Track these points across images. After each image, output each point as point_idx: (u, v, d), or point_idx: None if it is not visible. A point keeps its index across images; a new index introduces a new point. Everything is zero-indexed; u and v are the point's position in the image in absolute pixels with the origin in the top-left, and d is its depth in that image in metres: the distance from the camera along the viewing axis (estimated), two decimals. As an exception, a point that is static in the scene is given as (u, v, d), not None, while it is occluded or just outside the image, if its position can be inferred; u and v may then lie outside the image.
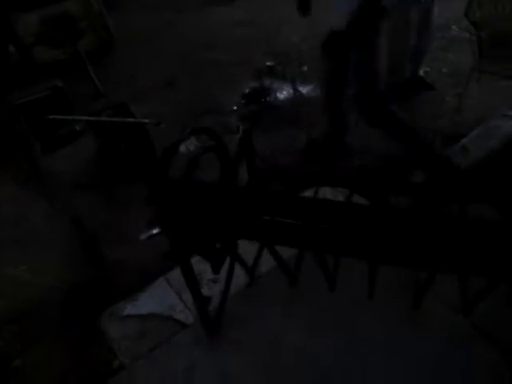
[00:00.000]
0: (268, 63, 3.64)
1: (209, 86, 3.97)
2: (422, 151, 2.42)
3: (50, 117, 3.52)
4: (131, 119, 3.26)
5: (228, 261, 1.77)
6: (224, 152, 1.64)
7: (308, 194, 2.08)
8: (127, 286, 2.16)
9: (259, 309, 1.90)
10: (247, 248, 1.73)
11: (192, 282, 1.59)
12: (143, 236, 2.28)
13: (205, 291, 2.03)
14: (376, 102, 2.32)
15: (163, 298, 2.03)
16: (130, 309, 2.01)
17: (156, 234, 2.30)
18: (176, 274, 1.92)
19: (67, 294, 2.19)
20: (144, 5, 6.49)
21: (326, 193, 2.28)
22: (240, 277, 1.92)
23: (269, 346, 1.77)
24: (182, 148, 2.56)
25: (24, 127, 1.89)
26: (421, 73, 3.48)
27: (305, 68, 3.97)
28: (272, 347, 1.77)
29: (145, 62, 4.68)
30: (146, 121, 3.28)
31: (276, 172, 1.89)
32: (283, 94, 3.59)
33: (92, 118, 3.10)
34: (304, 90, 3.63)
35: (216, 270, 1.63)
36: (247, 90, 3.61)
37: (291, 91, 3.59)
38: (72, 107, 3.63)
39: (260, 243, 1.61)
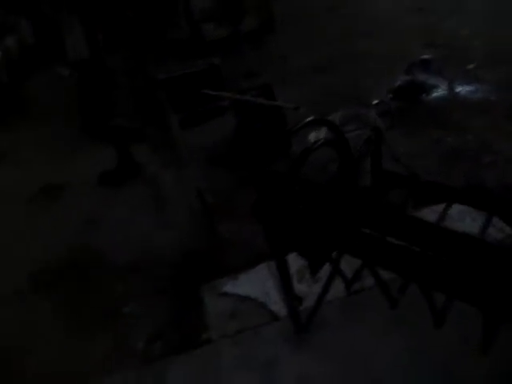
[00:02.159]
0: (424, 56, 3.29)
1: (359, 75, 3.78)
2: None
3: (203, 91, 3.79)
4: (270, 102, 3.29)
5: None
6: (345, 149, 1.52)
7: (437, 209, 1.84)
8: (232, 264, 2.23)
9: (354, 321, 1.77)
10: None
11: (285, 279, 1.55)
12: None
13: (303, 288, 1.98)
14: None
15: (262, 283, 2.03)
16: (229, 287, 2.07)
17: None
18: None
19: (182, 257, 2.35)
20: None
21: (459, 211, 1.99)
22: (342, 284, 1.81)
23: (355, 361, 1.65)
24: (312, 136, 2.48)
25: (164, 100, 2.02)
26: None
27: (470, 66, 3.50)
28: (358, 363, 1.64)
29: (300, 46, 4.67)
30: (285, 104, 3.28)
31: (404, 178, 1.70)
32: (437, 92, 3.22)
33: (233, 97, 3.21)
34: (463, 90, 3.21)
35: (313, 271, 1.55)
36: (397, 84, 3.34)
37: (447, 90, 3.20)
38: (224, 84, 3.82)
39: (362, 261, 1.46)
